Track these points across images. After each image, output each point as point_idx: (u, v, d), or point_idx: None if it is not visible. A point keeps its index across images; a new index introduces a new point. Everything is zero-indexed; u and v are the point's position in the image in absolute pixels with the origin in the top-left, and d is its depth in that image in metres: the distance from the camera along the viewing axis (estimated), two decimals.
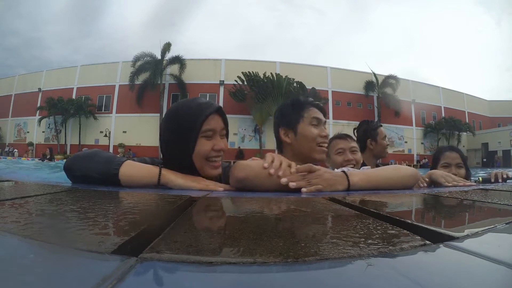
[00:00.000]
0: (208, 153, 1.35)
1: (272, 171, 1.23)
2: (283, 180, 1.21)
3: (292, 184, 1.20)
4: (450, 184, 1.76)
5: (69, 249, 0.37)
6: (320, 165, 1.39)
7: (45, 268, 0.31)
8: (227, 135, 1.47)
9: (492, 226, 0.56)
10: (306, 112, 1.70)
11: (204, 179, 1.32)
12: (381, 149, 2.91)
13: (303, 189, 1.20)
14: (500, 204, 0.91)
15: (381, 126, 3.01)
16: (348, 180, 1.28)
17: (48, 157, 23.65)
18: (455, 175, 2.01)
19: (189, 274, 0.32)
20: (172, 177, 1.26)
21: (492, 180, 2.18)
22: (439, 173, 1.88)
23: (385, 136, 2.93)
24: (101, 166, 1.23)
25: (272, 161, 1.29)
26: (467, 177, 2.23)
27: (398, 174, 1.42)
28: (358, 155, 2.28)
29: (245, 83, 24.74)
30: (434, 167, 2.34)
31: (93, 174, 1.22)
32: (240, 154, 23.92)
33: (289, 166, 1.29)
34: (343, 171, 1.33)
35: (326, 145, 1.65)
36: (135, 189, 1.16)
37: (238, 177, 1.28)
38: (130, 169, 1.24)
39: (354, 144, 2.31)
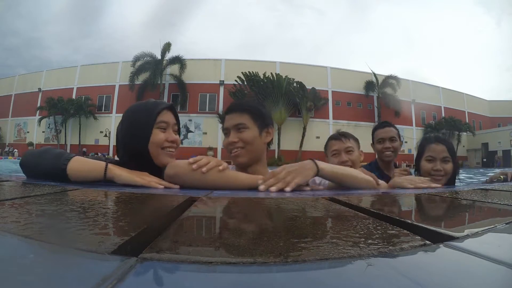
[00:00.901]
0: (162, 143, 1.48)
1: (194, 166, 1.30)
2: (261, 188, 1.27)
3: (273, 189, 1.25)
4: (412, 186, 1.67)
5: (69, 249, 0.37)
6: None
7: (45, 268, 0.31)
8: (179, 132, 1.63)
9: (492, 226, 0.56)
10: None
11: (148, 175, 1.38)
12: (378, 153, 2.79)
13: (286, 188, 1.26)
14: (500, 204, 0.91)
15: (384, 127, 2.82)
16: (317, 165, 1.38)
17: None
18: (441, 170, 1.98)
19: (189, 274, 0.32)
20: (118, 172, 1.31)
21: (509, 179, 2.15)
22: (399, 181, 1.78)
23: (383, 138, 2.73)
24: (51, 162, 1.30)
25: (198, 160, 1.35)
26: (455, 172, 2.06)
27: (358, 175, 1.52)
28: (354, 155, 2.20)
29: (245, 83, 24.75)
30: (417, 159, 2.15)
31: (44, 170, 1.30)
32: None
33: (220, 166, 1.34)
34: (310, 159, 1.43)
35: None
36: (134, 189, 1.16)
37: (169, 174, 1.36)
38: (78, 164, 1.30)
39: (350, 144, 2.22)
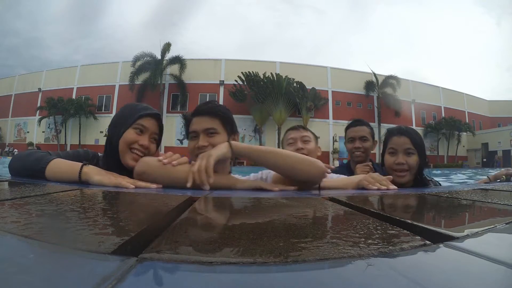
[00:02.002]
0: (131, 142, 1.53)
1: (165, 161, 1.33)
2: (188, 185, 1.27)
3: (194, 168, 1.29)
4: (374, 187, 1.52)
5: (69, 249, 0.37)
6: None
7: (45, 268, 0.31)
8: (158, 142, 1.68)
9: (492, 226, 0.56)
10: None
11: (119, 175, 1.39)
12: (349, 153, 2.66)
13: (206, 167, 1.28)
14: (500, 204, 0.91)
15: (356, 125, 2.66)
16: (230, 144, 1.41)
17: None
18: (403, 164, 1.82)
19: (189, 274, 0.32)
20: (91, 174, 1.33)
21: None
22: (360, 178, 1.64)
23: (353, 138, 2.59)
24: (33, 164, 1.38)
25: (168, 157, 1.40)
26: (422, 165, 1.88)
27: (292, 154, 1.44)
28: (311, 145, 2.13)
29: (245, 83, 24.75)
30: (382, 154, 1.99)
31: (27, 172, 1.38)
32: None
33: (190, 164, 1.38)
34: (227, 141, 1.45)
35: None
36: (135, 189, 1.16)
37: (138, 171, 1.39)
38: (55, 166, 1.36)
39: (307, 134, 2.18)
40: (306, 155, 1.82)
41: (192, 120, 1.60)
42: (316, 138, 2.25)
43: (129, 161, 1.51)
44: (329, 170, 1.53)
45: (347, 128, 2.75)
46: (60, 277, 0.29)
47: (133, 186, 1.30)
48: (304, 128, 2.24)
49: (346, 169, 2.58)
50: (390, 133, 1.97)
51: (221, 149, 1.37)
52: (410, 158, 1.83)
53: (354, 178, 1.70)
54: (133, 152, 1.53)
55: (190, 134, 1.59)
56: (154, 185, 1.32)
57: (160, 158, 1.35)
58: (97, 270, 0.30)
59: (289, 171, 1.40)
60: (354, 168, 2.53)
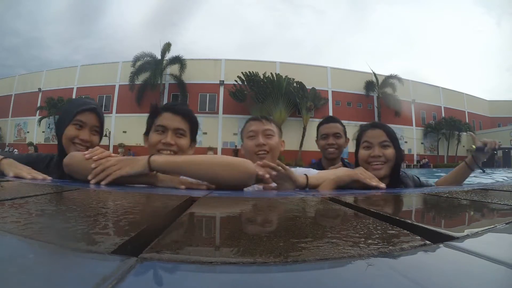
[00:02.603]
0: (72, 138, 1.64)
1: (87, 155, 1.33)
2: (93, 181, 1.28)
3: (92, 181, 1.27)
4: (373, 183, 1.52)
5: (69, 249, 0.37)
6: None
7: (45, 268, 0.31)
8: (101, 134, 1.79)
9: (492, 226, 0.57)
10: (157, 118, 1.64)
11: (33, 170, 1.47)
12: (321, 150, 2.57)
13: (102, 182, 1.26)
14: (500, 204, 0.91)
15: (328, 122, 2.62)
16: (149, 160, 1.30)
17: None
18: (380, 156, 1.76)
19: (189, 274, 0.32)
20: (6, 167, 1.43)
21: (486, 148, 1.96)
22: (348, 173, 1.61)
23: (327, 134, 2.51)
24: None
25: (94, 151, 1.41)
26: (399, 158, 1.80)
27: (219, 159, 1.34)
28: (274, 140, 1.89)
29: (245, 83, 24.75)
30: (356, 150, 1.90)
31: None
32: (235, 155, 23.84)
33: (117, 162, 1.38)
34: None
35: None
36: (134, 189, 1.16)
37: (64, 163, 1.39)
38: None
39: (270, 127, 1.92)
40: (268, 151, 1.84)
41: (162, 114, 1.62)
42: (280, 131, 2.03)
43: None
44: (260, 172, 1.40)
45: (319, 125, 2.73)
46: (60, 277, 0.29)
47: (41, 177, 1.41)
48: (267, 119, 1.99)
49: (317, 167, 2.44)
50: (363, 128, 1.91)
51: (137, 167, 1.29)
52: (387, 151, 1.77)
53: (338, 171, 1.69)
54: (76, 146, 1.64)
55: (157, 126, 1.61)
56: (41, 176, 1.42)
57: (86, 152, 1.36)
58: (97, 270, 0.30)
59: (214, 180, 1.31)
60: (327, 166, 2.52)
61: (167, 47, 26.09)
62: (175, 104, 1.65)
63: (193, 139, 1.67)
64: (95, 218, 0.55)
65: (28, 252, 0.36)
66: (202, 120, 26.39)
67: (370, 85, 28.20)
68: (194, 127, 1.66)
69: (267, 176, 1.39)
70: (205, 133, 26.11)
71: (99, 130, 1.77)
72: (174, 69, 26.40)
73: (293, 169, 1.57)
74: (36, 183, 1.17)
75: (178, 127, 1.58)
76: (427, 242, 0.43)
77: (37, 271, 0.30)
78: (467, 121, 31.48)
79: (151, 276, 0.31)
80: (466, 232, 0.50)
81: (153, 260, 0.33)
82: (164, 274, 0.32)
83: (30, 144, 28.58)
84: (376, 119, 27.38)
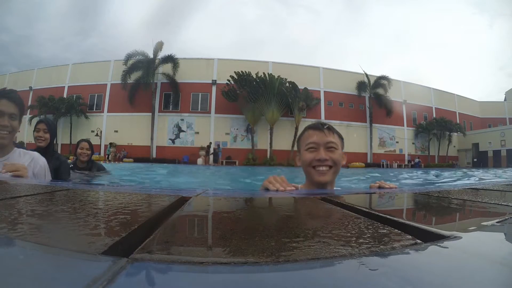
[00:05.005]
0: None
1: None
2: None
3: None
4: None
5: (59, 250, 0.36)
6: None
7: (35, 269, 0.31)
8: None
9: (482, 225, 0.57)
10: None
11: None
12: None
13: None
14: (490, 203, 0.92)
15: (311, 128, 1.80)
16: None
17: None
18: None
19: (181, 275, 0.32)
20: None
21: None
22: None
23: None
24: None
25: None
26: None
27: None
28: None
29: (238, 83, 24.73)
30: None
31: None
32: (215, 156, 23.86)
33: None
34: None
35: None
36: (126, 188, 1.16)
37: None
38: None
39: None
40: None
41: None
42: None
43: None
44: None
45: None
46: (50, 279, 0.29)
47: None
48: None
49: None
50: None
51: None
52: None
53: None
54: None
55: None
56: None
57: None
58: (87, 271, 0.30)
59: None
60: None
61: (159, 45, 25.96)
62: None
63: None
64: (86, 218, 0.54)
65: (18, 253, 0.36)
66: (194, 119, 26.34)
67: (362, 86, 28.30)
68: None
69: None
70: (197, 133, 26.05)
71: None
72: (166, 68, 26.26)
73: None
74: (27, 183, 1.16)
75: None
76: (418, 241, 0.43)
77: (27, 272, 0.29)
78: (458, 121, 31.74)
79: (142, 277, 0.30)
80: (457, 231, 0.50)
81: (144, 261, 0.33)
82: (155, 275, 0.31)
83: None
84: (368, 119, 27.54)
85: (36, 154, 2.02)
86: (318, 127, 1.72)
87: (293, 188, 1.42)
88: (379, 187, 1.65)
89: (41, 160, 2.00)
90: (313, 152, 1.67)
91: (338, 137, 1.74)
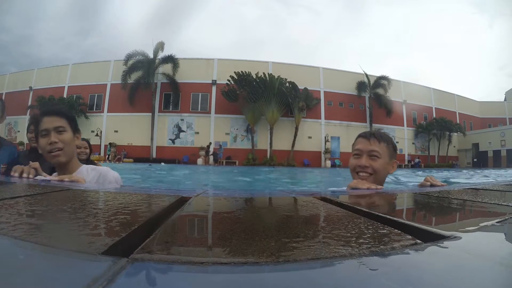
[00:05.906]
0: None
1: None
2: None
3: None
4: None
5: (59, 250, 0.36)
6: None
7: (35, 269, 0.31)
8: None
9: (483, 225, 0.57)
10: None
11: None
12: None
13: None
14: (490, 203, 0.92)
15: (360, 136, 1.96)
16: None
17: None
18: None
19: (181, 275, 0.32)
20: None
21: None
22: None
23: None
24: None
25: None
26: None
27: None
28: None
29: (238, 83, 24.72)
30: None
31: None
32: (215, 156, 23.94)
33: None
34: None
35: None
36: (126, 189, 1.16)
37: None
38: None
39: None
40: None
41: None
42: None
43: None
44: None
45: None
46: (50, 279, 0.29)
47: None
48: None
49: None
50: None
51: None
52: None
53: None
54: None
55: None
56: None
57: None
58: (87, 271, 0.30)
59: None
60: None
61: (159, 46, 25.94)
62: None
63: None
64: (86, 218, 0.54)
65: (18, 253, 0.36)
66: (194, 119, 26.32)
67: (362, 86, 28.27)
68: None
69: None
70: (197, 133, 26.04)
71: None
72: (166, 68, 26.25)
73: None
74: (27, 183, 1.16)
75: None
76: (418, 241, 0.43)
77: (28, 272, 0.29)
78: (458, 121, 31.72)
79: (142, 277, 0.30)
80: (457, 231, 0.50)
81: (144, 261, 0.33)
82: (155, 275, 0.31)
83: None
84: (368, 119, 27.52)
85: (104, 169, 1.90)
86: (366, 135, 1.85)
87: (379, 187, 1.61)
88: (431, 186, 1.72)
89: (110, 175, 1.87)
90: (357, 158, 1.81)
91: (386, 146, 1.82)
